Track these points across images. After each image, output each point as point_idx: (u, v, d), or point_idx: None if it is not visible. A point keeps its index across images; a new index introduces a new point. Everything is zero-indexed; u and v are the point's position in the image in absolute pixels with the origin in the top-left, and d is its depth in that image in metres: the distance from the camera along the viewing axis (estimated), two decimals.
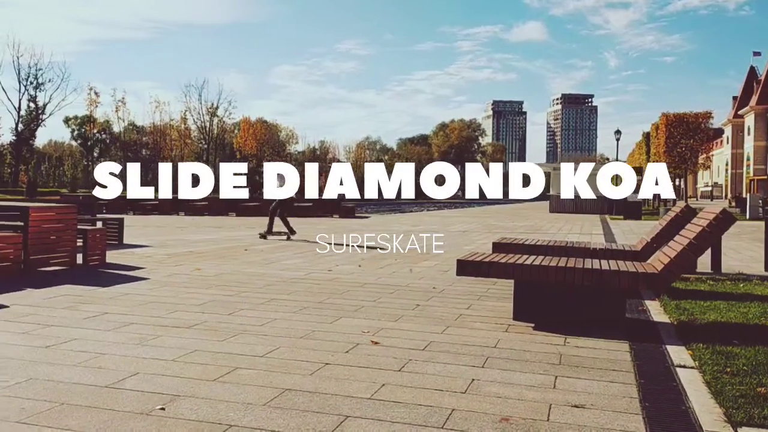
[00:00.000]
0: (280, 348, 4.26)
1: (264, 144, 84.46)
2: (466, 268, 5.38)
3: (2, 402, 3.11)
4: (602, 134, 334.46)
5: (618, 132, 36.03)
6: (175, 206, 27.46)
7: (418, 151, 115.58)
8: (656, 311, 5.79)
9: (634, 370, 3.88)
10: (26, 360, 3.84)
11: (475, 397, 3.34)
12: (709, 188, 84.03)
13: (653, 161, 35.93)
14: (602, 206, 33.46)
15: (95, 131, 75.03)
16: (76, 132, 75.08)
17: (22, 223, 7.63)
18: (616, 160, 38.23)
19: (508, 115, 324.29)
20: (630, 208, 27.97)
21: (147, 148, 78.54)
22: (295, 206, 27.33)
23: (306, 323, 5.05)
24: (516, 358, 4.14)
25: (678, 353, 4.28)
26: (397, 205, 61.09)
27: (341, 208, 26.93)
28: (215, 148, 79.70)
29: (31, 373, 3.57)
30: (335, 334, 4.70)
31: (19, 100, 65.26)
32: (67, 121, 73.75)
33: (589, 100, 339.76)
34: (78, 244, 8.29)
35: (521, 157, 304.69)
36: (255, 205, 26.88)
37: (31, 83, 64.42)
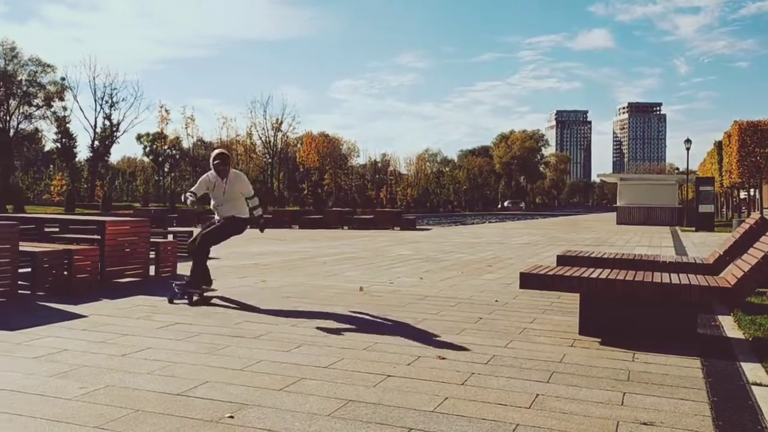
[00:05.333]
0: (344, 359, 4.31)
1: (326, 157, 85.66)
2: (530, 281, 5.32)
3: (82, 408, 3.27)
4: (671, 143, 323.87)
5: (688, 141, 34.87)
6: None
7: (479, 162, 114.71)
8: (730, 327, 5.57)
9: (706, 388, 3.75)
10: (103, 368, 4.02)
11: (539, 413, 3.29)
12: None
13: (725, 171, 34.58)
14: (672, 217, 32.41)
15: (165, 147, 77.76)
16: (147, 148, 77.99)
17: (98, 237, 8.00)
18: (687, 170, 36.96)
19: (573, 125, 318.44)
20: (702, 219, 26.98)
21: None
22: (356, 218, 27.69)
23: (368, 335, 5.10)
24: (582, 373, 4.06)
25: (753, 370, 4.10)
26: (459, 216, 60.78)
27: (402, 220, 27.01)
28: (279, 162, 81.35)
29: (108, 381, 3.74)
30: (397, 347, 4.72)
31: (95, 118, 68.53)
32: (139, 137, 76.73)
33: (658, 108, 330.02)
34: (150, 256, 8.62)
35: (586, 168, 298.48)
36: (318, 217, 27.30)
37: (107, 102, 67.47)
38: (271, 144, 78.87)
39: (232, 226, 6.99)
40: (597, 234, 22.40)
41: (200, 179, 7.12)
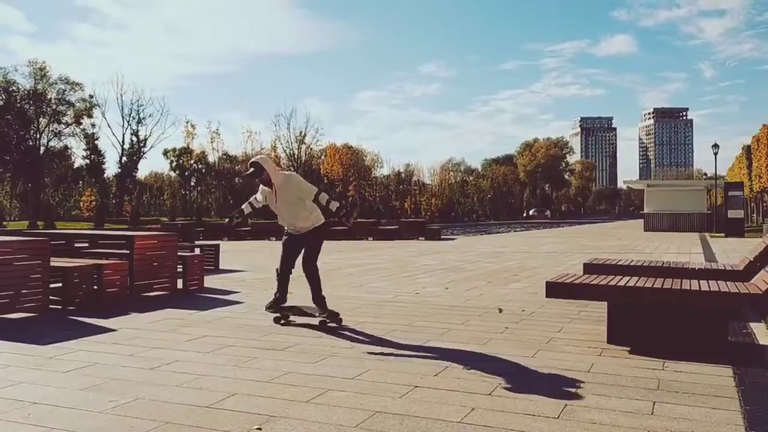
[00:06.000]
0: (370, 370, 4.32)
1: (350, 168, 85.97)
2: (556, 290, 5.29)
3: (113, 421, 3.32)
4: (699, 148, 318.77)
5: (716, 146, 34.37)
6: (267, 231, 28.34)
7: (503, 171, 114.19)
8: (762, 334, 5.47)
9: (738, 396, 3.68)
10: (133, 381, 4.08)
11: (568, 423, 3.26)
12: None
13: (755, 175, 33.93)
14: (701, 223, 31.91)
15: (192, 162, 78.71)
16: (174, 163, 78.98)
17: (127, 251, 8.13)
18: (715, 175, 36.39)
19: (597, 132, 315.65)
20: (731, 225, 26.52)
21: (240, 176, 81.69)
22: (381, 229, 27.74)
23: (394, 346, 5.10)
24: (611, 382, 4.01)
25: None
26: (484, 225, 60.53)
27: (427, 230, 26.98)
28: (303, 174, 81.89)
29: (138, 394, 3.79)
30: (424, 357, 4.71)
31: (123, 134, 69.56)
32: (166, 153, 77.76)
33: (684, 113, 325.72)
34: (178, 269, 8.73)
35: (612, 175, 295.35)
36: (343, 229, 27.38)
37: (134, 118, 68.53)
38: (295, 156, 79.38)
39: (319, 239, 6.42)
40: (624, 241, 22.13)
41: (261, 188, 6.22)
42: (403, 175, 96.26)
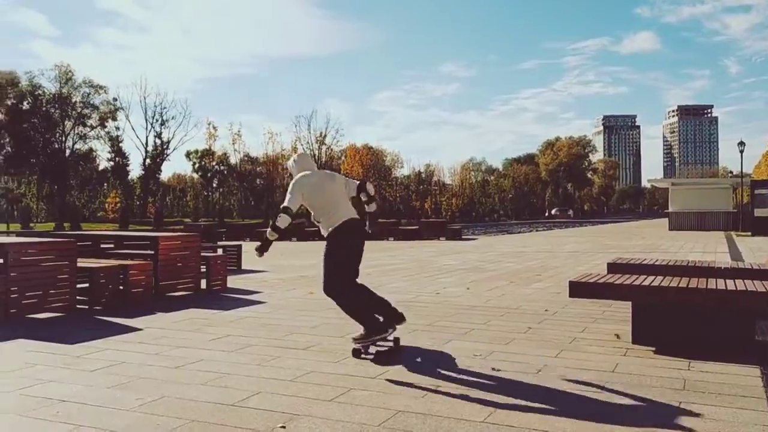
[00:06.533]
0: (392, 370, 4.32)
1: (370, 169, 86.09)
2: (580, 289, 5.25)
3: (140, 418, 3.37)
4: (724, 146, 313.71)
5: (742, 143, 33.85)
6: (288, 232, 28.50)
7: (524, 170, 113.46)
8: None
9: (766, 396, 3.63)
10: (159, 379, 4.13)
11: (592, 423, 3.24)
12: None
13: None
14: (727, 222, 31.43)
15: (214, 163, 79.36)
16: (196, 164, 79.67)
17: (152, 252, 8.23)
18: (741, 172, 35.85)
19: (620, 130, 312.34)
20: (758, 224, 26.07)
21: (261, 177, 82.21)
22: (402, 229, 27.73)
23: (416, 346, 5.10)
24: (636, 383, 3.98)
25: None
26: (506, 225, 60.25)
27: (447, 230, 26.92)
28: None
29: (164, 392, 3.84)
30: (446, 357, 4.71)
31: (146, 137, 70.44)
32: (188, 154, 78.48)
33: (708, 110, 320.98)
34: (201, 270, 8.82)
35: (636, 173, 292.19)
36: None
37: (157, 121, 69.34)
38: (316, 157, 79.66)
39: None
40: (648, 240, 21.89)
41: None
42: (423, 176, 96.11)
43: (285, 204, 4.78)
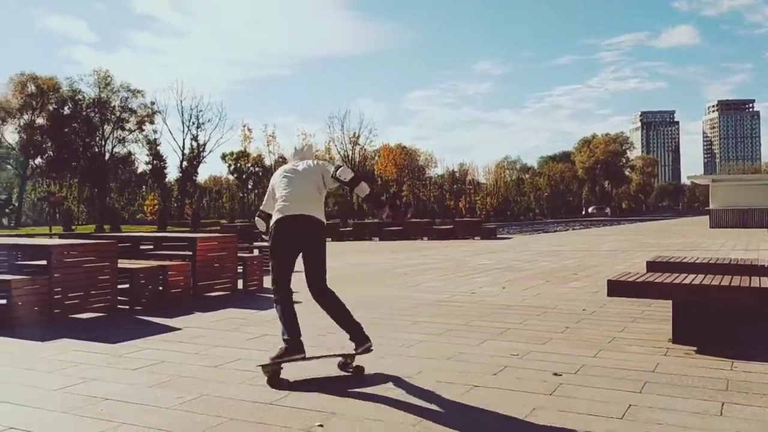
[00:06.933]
0: (428, 369, 4.32)
1: (404, 169, 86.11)
2: (618, 288, 5.17)
3: (179, 416, 3.43)
4: (766, 141, 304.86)
5: None
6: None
7: (560, 168, 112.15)
8: None
9: None
10: (199, 378, 4.20)
11: (632, 424, 3.19)
12: None
13: None
14: None
15: (249, 165, 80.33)
16: (232, 166, 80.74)
17: (190, 253, 8.36)
18: None
19: (659, 126, 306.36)
20: None
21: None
22: (436, 229, 27.68)
23: (451, 345, 5.09)
24: (677, 383, 3.90)
25: None
26: (541, 224, 59.65)
27: (482, 229, 26.76)
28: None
29: (203, 390, 3.90)
30: (482, 356, 4.69)
31: (183, 139, 71.71)
32: (224, 156, 79.58)
33: (750, 105, 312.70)
34: (238, 270, 8.92)
35: (675, 170, 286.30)
36: (397, 229, 27.45)
37: (193, 123, 70.44)
38: (349, 158, 80.00)
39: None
40: (689, 238, 21.43)
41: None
42: (457, 175, 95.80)
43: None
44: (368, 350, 4.37)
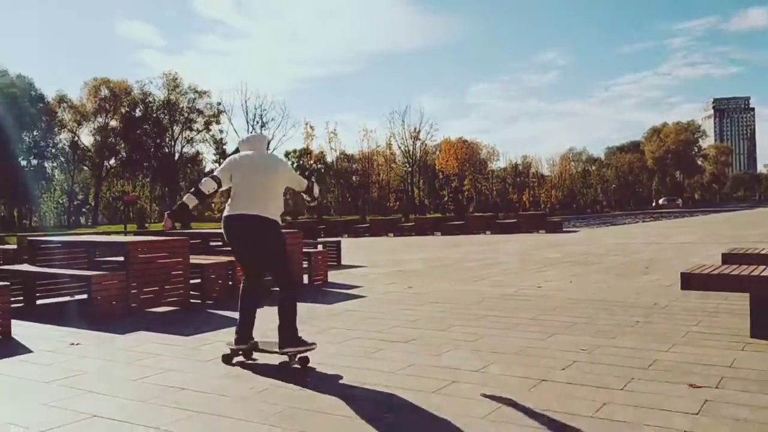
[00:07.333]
0: (495, 363, 4.29)
1: (465, 163, 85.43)
2: (692, 282, 5.00)
3: (250, 405, 3.52)
4: None
5: None
6: (384, 228, 28.82)
7: (629, 158, 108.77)
8: None
9: None
10: (268, 370, 4.30)
11: (710, 420, 3.09)
12: None
13: None
14: None
15: (311, 162, 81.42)
16: (295, 164, 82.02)
17: None
18: None
19: (733, 113, 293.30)
20: None
21: (357, 174, 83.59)
22: (499, 223, 27.39)
23: (518, 339, 5.04)
24: (756, 378, 3.75)
25: None
26: (609, 217, 58.12)
27: (547, 222, 26.29)
28: (419, 170, 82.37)
29: (274, 381, 4.00)
30: (550, 351, 4.62)
31: None
32: (287, 154, 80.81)
33: None
34: (304, 265, 9.08)
35: (751, 159, 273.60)
36: (460, 223, 27.30)
37: (257, 122, 71.87)
38: (410, 153, 79.99)
39: None
40: (766, 229, 20.47)
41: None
42: (520, 168, 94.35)
43: (214, 173, 4.59)
44: (291, 354, 4.37)
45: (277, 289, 4.59)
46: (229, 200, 4.55)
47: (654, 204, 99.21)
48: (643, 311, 6.12)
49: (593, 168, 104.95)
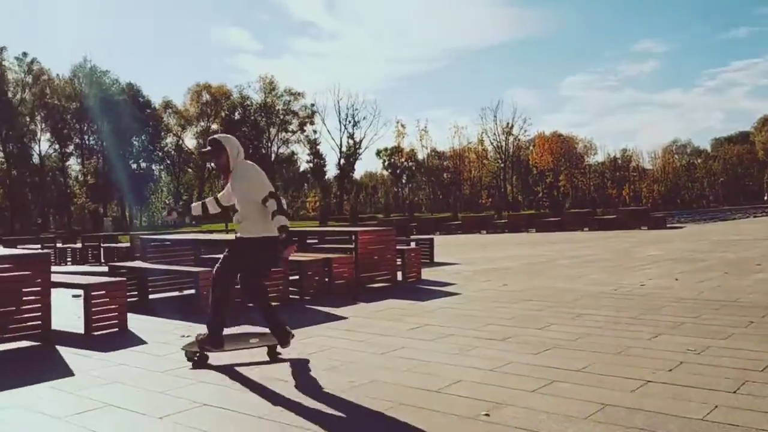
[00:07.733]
0: (596, 363, 4.18)
1: (560, 157, 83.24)
2: None
3: (353, 399, 3.61)
4: None
5: None
6: (477, 225, 28.59)
7: (737, 150, 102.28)
8: None
9: None
10: (367, 364, 4.39)
11: None
12: None
13: None
14: None
15: (402, 160, 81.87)
16: (386, 162, 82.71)
17: (352, 246, 8.73)
18: None
19: None
20: None
21: (448, 171, 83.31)
22: (597, 219, 26.49)
23: (619, 339, 4.88)
24: None
25: None
26: (717, 212, 55.03)
27: (649, 218, 25.21)
28: (512, 165, 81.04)
29: (373, 376, 4.07)
30: (654, 351, 4.45)
31: (341, 138, 74.64)
32: (378, 153, 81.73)
33: None
34: (397, 262, 9.17)
35: None
36: (555, 220, 26.65)
37: (350, 122, 73.13)
38: (503, 148, 78.81)
39: (239, 255, 4.67)
40: None
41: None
42: (619, 162, 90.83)
43: (272, 189, 4.63)
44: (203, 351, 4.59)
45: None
46: (263, 219, 4.57)
47: (766, 198, 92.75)
48: (757, 311, 5.77)
49: (699, 161, 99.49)
